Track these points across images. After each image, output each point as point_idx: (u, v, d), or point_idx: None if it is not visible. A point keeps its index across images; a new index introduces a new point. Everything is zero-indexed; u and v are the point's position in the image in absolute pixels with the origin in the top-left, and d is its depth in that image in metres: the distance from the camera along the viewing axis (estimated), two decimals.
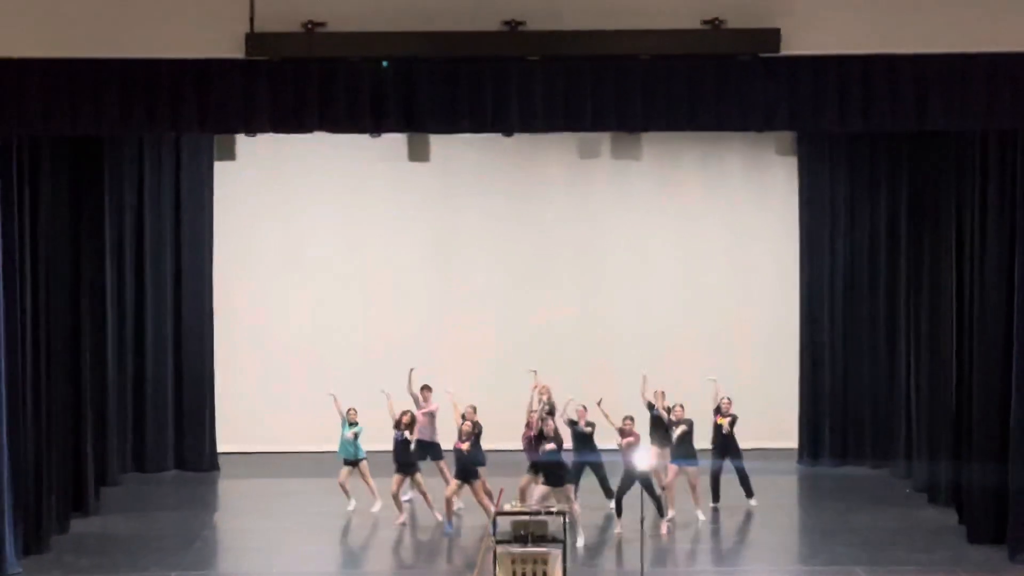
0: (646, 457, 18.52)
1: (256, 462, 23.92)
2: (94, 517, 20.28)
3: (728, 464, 20.72)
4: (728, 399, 20.79)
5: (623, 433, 19.18)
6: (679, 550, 19.05)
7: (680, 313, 24.81)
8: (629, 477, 18.99)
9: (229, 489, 22.94)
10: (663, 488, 19.64)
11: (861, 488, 22.18)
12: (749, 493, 20.80)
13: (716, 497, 20.69)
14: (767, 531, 19.87)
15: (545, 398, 20.11)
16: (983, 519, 18.54)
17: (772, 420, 24.08)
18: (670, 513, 19.64)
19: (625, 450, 19.05)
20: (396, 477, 19.87)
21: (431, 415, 20.58)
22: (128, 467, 23.20)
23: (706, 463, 20.42)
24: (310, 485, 20.88)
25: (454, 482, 19.39)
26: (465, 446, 19.18)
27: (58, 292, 19.37)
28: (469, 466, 19.21)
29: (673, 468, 19.90)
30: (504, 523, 15.98)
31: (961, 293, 19.69)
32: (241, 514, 21.22)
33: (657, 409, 20.20)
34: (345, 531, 19.81)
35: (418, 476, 19.92)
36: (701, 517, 19.87)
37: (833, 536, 19.18)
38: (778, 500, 21.83)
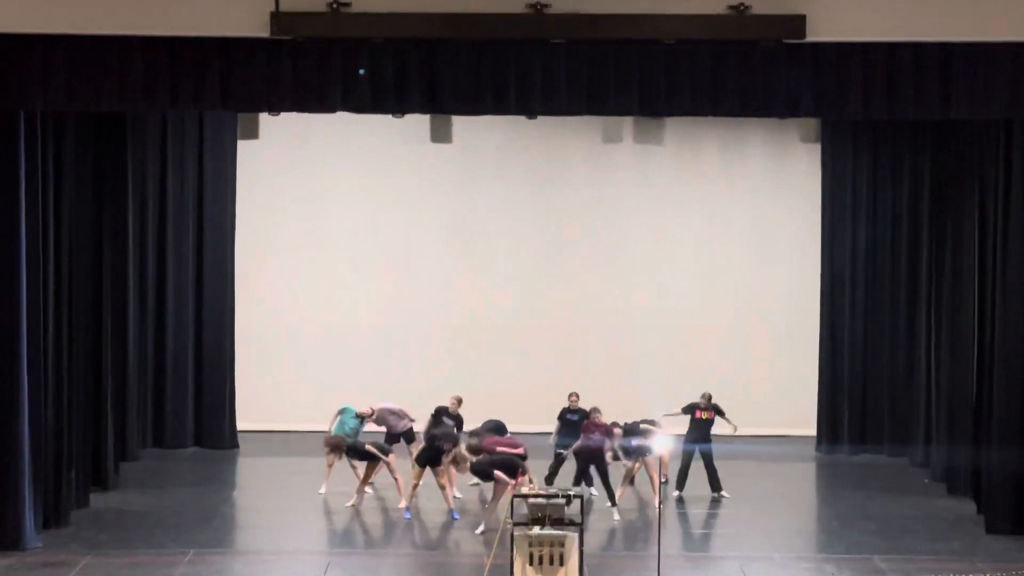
0: (665, 443, 18.50)
1: (275, 441, 24.01)
2: (113, 492, 20.36)
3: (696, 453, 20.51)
4: (709, 394, 20.53)
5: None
6: (694, 535, 19.07)
7: (700, 298, 24.80)
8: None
9: (248, 467, 23.03)
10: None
11: (879, 476, 22.17)
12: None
13: (716, 486, 20.42)
14: (784, 518, 19.85)
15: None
16: (1002, 509, 18.49)
17: (791, 407, 24.08)
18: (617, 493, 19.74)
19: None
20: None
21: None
22: (148, 443, 23.30)
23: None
24: None
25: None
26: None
27: (80, 269, 19.42)
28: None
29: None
30: (521, 505, 15.99)
31: (983, 282, 19.62)
32: (259, 492, 21.29)
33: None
34: (363, 511, 19.86)
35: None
36: (657, 504, 19.51)
37: (851, 524, 19.16)
38: (796, 487, 21.85)
